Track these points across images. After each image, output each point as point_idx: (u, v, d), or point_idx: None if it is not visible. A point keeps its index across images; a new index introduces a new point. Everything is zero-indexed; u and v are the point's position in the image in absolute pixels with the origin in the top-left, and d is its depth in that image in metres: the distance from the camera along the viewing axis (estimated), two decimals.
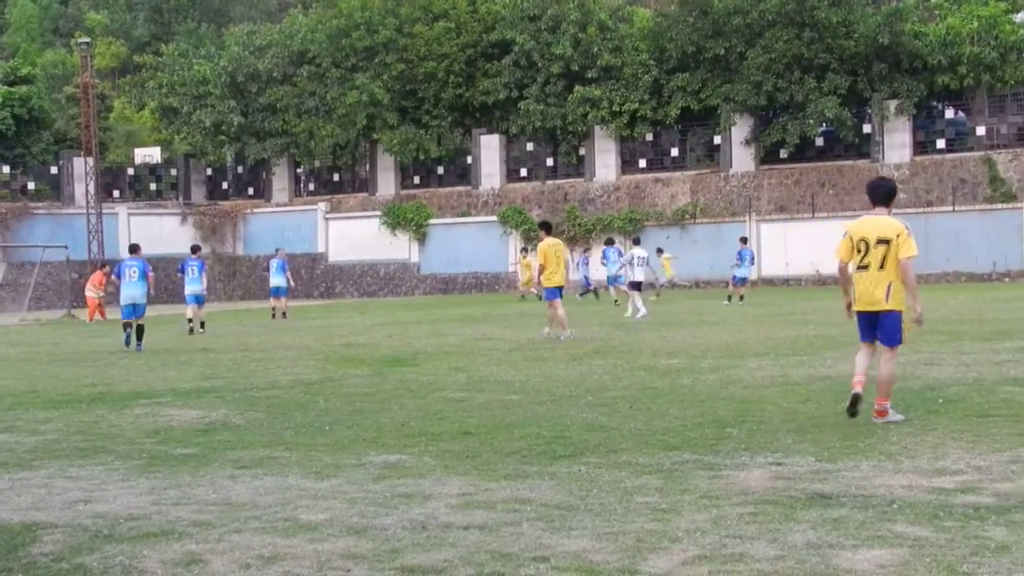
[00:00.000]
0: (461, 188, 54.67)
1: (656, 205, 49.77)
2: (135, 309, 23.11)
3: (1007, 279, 42.93)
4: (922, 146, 46.74)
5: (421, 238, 53.98)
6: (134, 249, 24.90)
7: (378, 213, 54.98)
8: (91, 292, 39.15)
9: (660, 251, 40.35)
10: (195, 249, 31.18)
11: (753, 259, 36.17)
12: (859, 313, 10.59)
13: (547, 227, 23.42)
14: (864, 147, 47.47)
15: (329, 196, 57.71)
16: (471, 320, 29.43)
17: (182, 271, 28.60)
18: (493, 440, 10.05)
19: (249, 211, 58.68)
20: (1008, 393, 11.85)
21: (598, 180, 51.36)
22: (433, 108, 54.21)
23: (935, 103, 47.59)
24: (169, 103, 58.65)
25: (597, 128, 50.75)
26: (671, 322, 25.58)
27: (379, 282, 55.22)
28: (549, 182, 52.68)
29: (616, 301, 36.44)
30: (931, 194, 45.57)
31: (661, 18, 50.57)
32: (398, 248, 54.56)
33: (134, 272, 23.40)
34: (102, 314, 38.15)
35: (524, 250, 45.59)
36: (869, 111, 47.00)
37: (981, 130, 45.99)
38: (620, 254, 39.37)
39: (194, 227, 56.69)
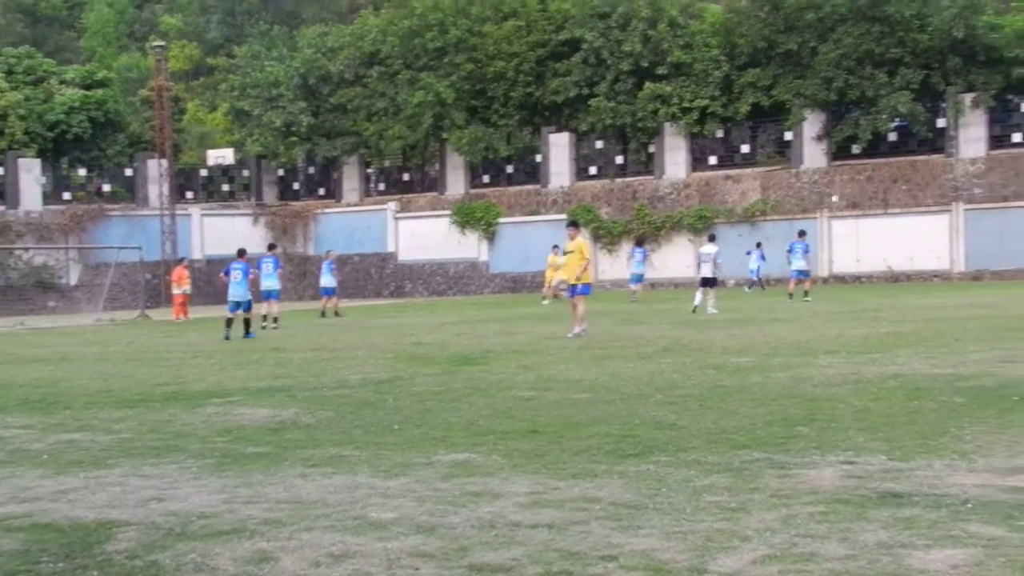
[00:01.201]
0: (530, 186, 54.58)
1: (726, 202, 49.42)
2: (239, 305, 26.66)
3: None
4: (998, 140, 45.87)
5: (490, 237, 54.05)
6: (241, 253, 28.23)
7: (448, 212, 55.12)
8: (176, 289, 39.32)
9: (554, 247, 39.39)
10: (271, 247, 32.70)
11: (807, 251, 35.13)
12: None
13: (576, 225, 24.22)
14: (938, 142, 46.72)
15: (399, 196, 57.86)
16: (540, 319, 29.41)
17: (258, 267, 29.65)
18: (562, 439, 10.03)
19: (320, 211, 59.04)
20: None
21: (668, 177, 51.08)
22: (502, 107, 54.20)
23: (1011, 96, 46.71)
24: (241, 106, 59.20)
25: (667, 125, 50.44)
26: (741, 320, 25.41)
27: (448, 281, 55.38)
28: (618, 180, 52.39)
29: (632, 299, 36.83)
30: (1007, 188, 44.79)
31: (732, 14, 50.24)
32: (467, 247, 54.69)
33: (238, 274, 27.01)
34: (184, 312, 38.46)
35: (556, 247, 40.52)
36: (943, 105, 46.29)
37: None
38: (645, 254, 39.81)
39: (266, 227, 57.21)
